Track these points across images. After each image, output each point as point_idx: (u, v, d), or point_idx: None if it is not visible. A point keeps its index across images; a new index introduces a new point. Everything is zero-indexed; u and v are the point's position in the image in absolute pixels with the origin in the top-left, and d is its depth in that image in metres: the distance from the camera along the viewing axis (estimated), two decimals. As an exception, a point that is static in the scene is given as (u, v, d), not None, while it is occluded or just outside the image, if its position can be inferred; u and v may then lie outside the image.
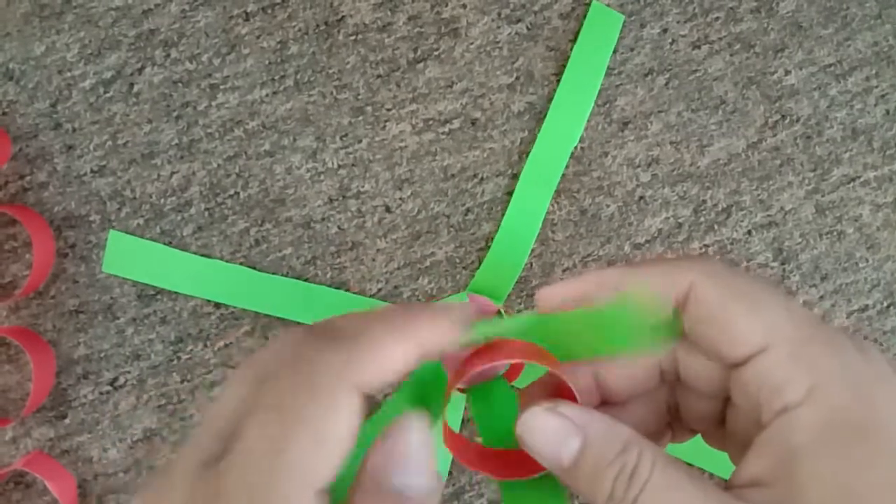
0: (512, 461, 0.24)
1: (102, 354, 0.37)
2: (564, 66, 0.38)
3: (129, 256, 0.37)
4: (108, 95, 0.38)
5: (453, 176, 0.38)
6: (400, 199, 0.38)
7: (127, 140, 0.38)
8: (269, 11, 0.38)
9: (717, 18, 0.39)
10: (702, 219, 0.39)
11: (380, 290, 0.38)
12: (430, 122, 0.38)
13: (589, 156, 0.38)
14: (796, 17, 0.39)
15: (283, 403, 0.17)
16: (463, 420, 0.38)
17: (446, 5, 0.38)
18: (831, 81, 0.39)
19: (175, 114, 0.38)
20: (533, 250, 0.38)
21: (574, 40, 0.38)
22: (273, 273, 0.38)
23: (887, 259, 0.39)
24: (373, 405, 0.19)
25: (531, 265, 0.38)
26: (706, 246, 0.38)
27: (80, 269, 0.37)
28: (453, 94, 0.38)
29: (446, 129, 0.38)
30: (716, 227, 0.39)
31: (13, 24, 0.38)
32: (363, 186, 0.38)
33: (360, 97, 0.38)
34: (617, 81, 0.39)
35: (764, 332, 0.19)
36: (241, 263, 0.38)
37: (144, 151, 0.38)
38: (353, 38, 0.38)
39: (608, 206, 0.38)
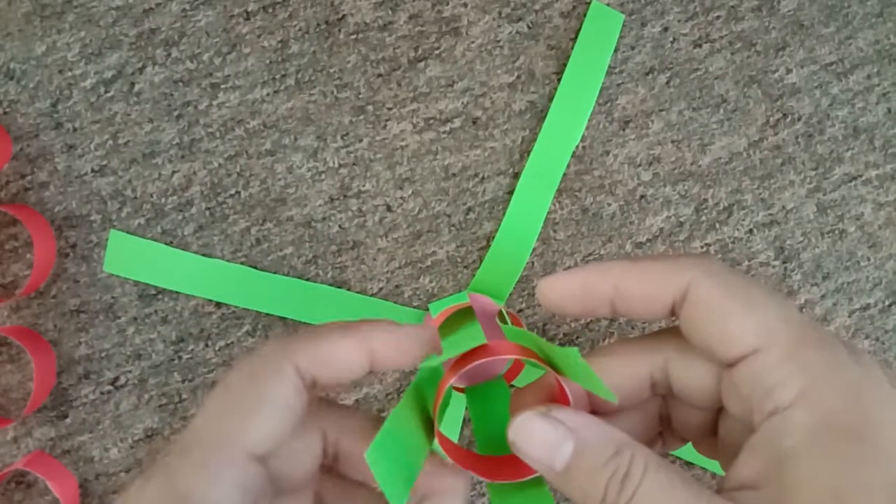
0: (503, 463, 0.24)
1: (103, 354, 0.37)
2: (565, 65, 0.38)
3: (129, 256, 0.37)
4: (108, 95, 0.38)
5: (454, 175, 0.38)
6: (401, 198, 0.38)
7: (128, 139, 0.38)
8: (270, 10, 0.38)
9: (719, 17, 0.39)
10: (703, 218, 0.38)
11: (381, 289, 0.38)
12: (431, 121, 0.38)
13: (590, 155, 0.38)
14: (798, 16, 0.39)
15: (229, 382, 0.20)
16: (464, 420, 0.38)
17: (447, 4, 0.38)
18: (833, 80, 0.39)
19: (176, 113, 0.38)
20: (534, 249, 0.38)
21: (575, 39, 0.38)
22: (274, 272, 0.38)
23: (889, 258, 0.39)
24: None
25: (532, 264, 0.38)
26: (707, 245, 0.38)
27: (81, 269, 0.37)
28: (454, 93, 0.38)
29: (447, 128, 0.38)
30: (717, 225, 0.38)
31: (14, 24, 0.38)
32: (364, 185, 0.38)
33: (360, 96, 0.38)
34: (618, 80, 0.38)
35: (758, 332, 0.19)
36: (242, 263, 0.38)
37: (145, 151, 0.38)
38: (353, 37, 0.38)
39: (609, 204, 0.38)
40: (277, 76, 0.38)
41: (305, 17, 0.38)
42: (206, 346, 0.38)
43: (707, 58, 0.39)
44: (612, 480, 0.18)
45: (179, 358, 0.38)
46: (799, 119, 0.39)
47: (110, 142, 0.38)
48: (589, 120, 0.38)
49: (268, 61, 0.38)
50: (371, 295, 0.38)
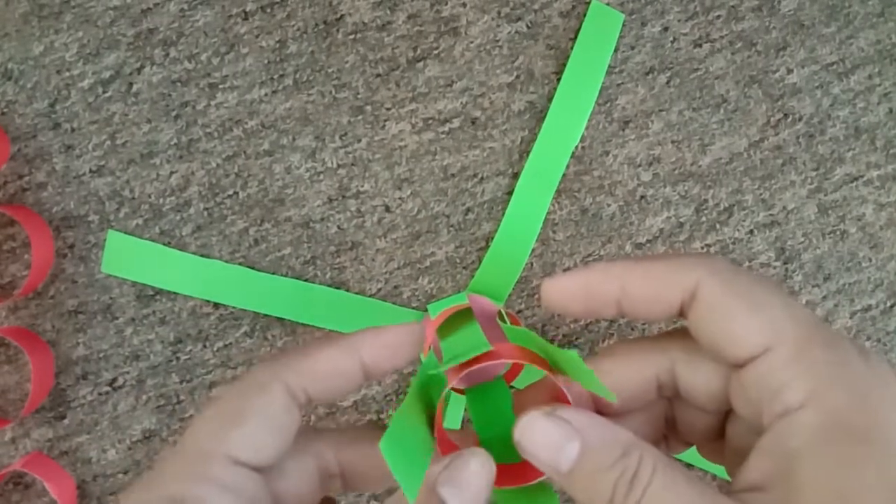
0: (508, 467, 0.24)
1: (101, 355, 0.37)
2: (565, 65, 0.38)
3: (127, 257, 0.37)
4: (106, 95, 0.38)
5: (453, 175, 0.38)
6: (399, 198, 0.38)
7: (126, 140, 0.38)
8: (268, 10, 0.38)
9: (719, 17, 0.39)
10: (703, 218, 0.38)
11: (379, 289, 0.38)
12: (430, 122, 0.38)
13: (590, 155, 0.38)
14: (798, 16, 0.39)
15: (217, 399, 0.20)
16: (463, 421, 0.38)
17: (446, 4, 0.38)
18: (834, 80, 0.39)
19: (174, 113, 0.38)
20: (534, 250, 0.38)
21: (574, 39, 0.38)
22: (272, 273, 0.37)
23: (890, 258, 0.39)
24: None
25: (532, 265, 0.38)
26: (708, 246, 0.38)
27: (78, 270, 0.37)
28: (453, 93, 0.38)
29: (446, 129, 0.38)
30: (717, 226, 0.38)
31: (12, 24, 0.38)
32: (363, 186, 0.38)
33: (359, 96, 0.38)
34: (618, 80, 0.38)
35: (766, 333, 0.19)
36: (240, 263, 0.37)
37: (143, 151, 0.38)
38: (352, 37, 0.38)
39: (609, 205, 0.38)
40: (276, 76, 0.38)
41: (304, 17, 0.38)
42: (205, 347, 0.37)
43: (707, 58, 0.39)
44: (621, 481, 0.18)
45: (177, 359, 0.37)
46: (800, 119, 0.39)
47: (108, 142, 0.38)
48: (588, 120, 0.38)
49: (266, 61, 0.38)
50: (370, 296, 0.38)
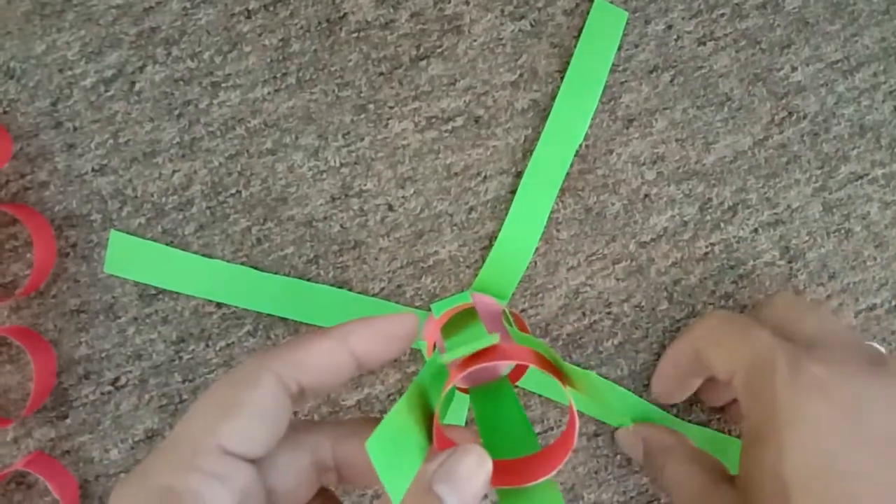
0: (512, 466, 0.23)
1: (104, 354, 0.37)
2: (568, 63, 0.38)
3: (130, 257, 0.37)
4: (109, 94, 0.38)
5: (456, 174, 0.38)
6: (402, 197, 0.38)
7: (128, 139, 0.38)
8: (271, 9, 0.38)
9: (723, 15, 0.39)
10: (707, 217, 0.38)
11: (382, 289, 0.38)
12: (433, 120, 0.38)
13: (593, 153, 0.38)
14: (803, 13, 0.39)
15: (209, 391, 0.21)
16: (466, 422, 0.37)
17: (449, 2, 0.38)
18: (838, 78, 0.39)
19: (176, 112, 0.38)
20: (537, 249, 0.37)
21: (578, 37, 0.38)
22: (275, 272, 0.37)
23: (895, 258, 0.38)
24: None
25: (535, 263, 0.38)
26: (712, 244, 0.38)
27: (81, 269, 0.37)
28: (456, 91, 0.38)
29: (449, 127, 0.38)
30: (722, 225, 0.38)
31: (14, 23, 0.37)
32: (365, 185, 0.38)
33: (362, 95, 0.38)
34: (621, 78, 0.38)
35: (727, 367, 0.29)
36: (242, 262, 0.37)
37: (146, 150, 0.38)
38: (355, 35, 0.38)
39: (613, 204, 0.38)
40: (278, 75, 0.38)
41: (307, 15, 0.38)
42: (207, 346, 0.37)
43: (711, 56, 0.38)
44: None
45: (180, 358, 0.37)
46: (804, 117, 0.38)
47: (111, 141, 0.38)
48: (592, 118, 0.38)
49: (269, 60, 0.38)
50: (373, 295, 0.37)
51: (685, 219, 0.38)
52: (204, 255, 0.37)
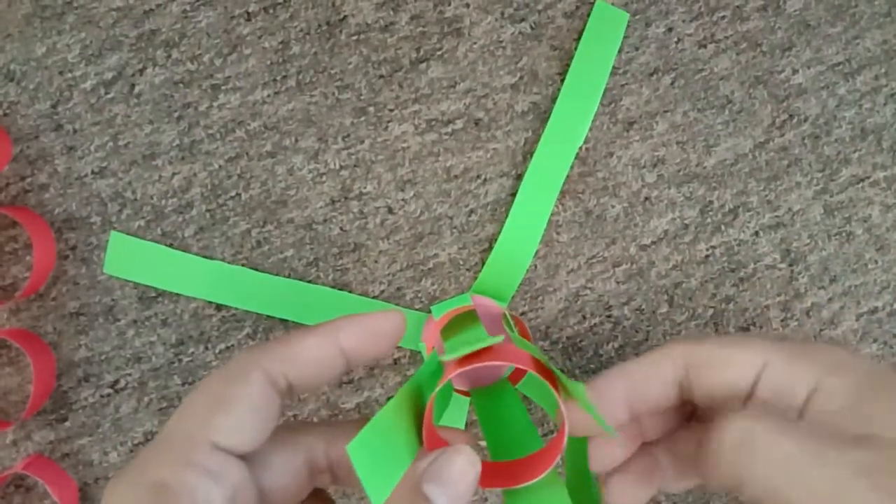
0: (514, 466, 0.23)
1: (103, 357, 0.37)
2: (569, 66, 0.38)
3: (130, 258, 0.37)
4: (109, 96, 0.38)
5: (456, 177, 0.38)
6: (402, 200, 0.38)
7: (128, 141, 0.38)
8: (271, 11, 0.38)
9: (724, 17, 0.38)
10: (708, 220, 0.38)
11: (382, 291, 0.37)
12: (433, 123, 0.38)
13: (594, 156, 0.38)
14: (804, 16, 0.39)
15: (199, 387, 0.21)
16: (466, 425, 0.37)
17: (449, 4, 0.38)
18: (840, 80, 0.38)
19: (176, 115, 0.38)
20: (537, 251, 0.37)
21: (578, 39, 0.38)
22: (275, 275, 0.37)
23: (897, 260, 0.38)
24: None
25: (535, 266, 0.38)
26: (713, 247, 0.38)
27: (80, 271, 0.37)
28: (456, 94, 0.38)
29: (449, 130, 0.38)
30: (723, 228, 0.38)
31: (14, 26, 0.37)
32: (365, 187, 0.38)
33: (362, 97, 0.38)
34: (622, 81, 0.38)
35: (758, 355, 0.22)
36: (242, 265, 0.37)
37: (145, 152, 0.38)
38: (355, 37, 0.38)
39: (613, 206, 0.38)
40: (278, 77, 0.38)
41: (306, 17, 0.38)
42: (206, 348, 0.37)
43: (712, 58, 0.38)
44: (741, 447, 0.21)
45: (179, 361, 0.37)
46: (805, 120, 0.38)
47: (110, 143, 0.38)
48: (592, 121, 0.38)
49: (269, 62, 0.38)
50: (372, 298, 0.37)
51: (686, 222, 0.38)
52: (204, 258, 0.37)
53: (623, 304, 0.38)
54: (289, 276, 0.37)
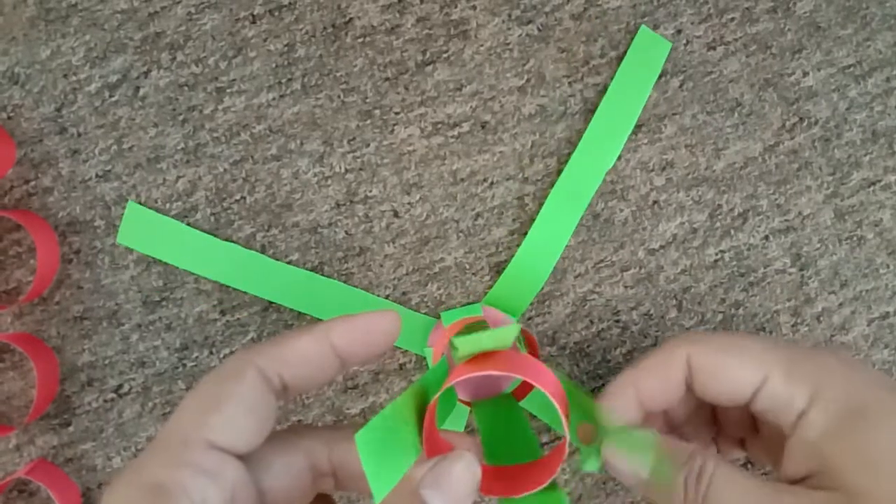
0: (513, 474, 0.23)
1: (107, 361, 0.37)
2: (576, 69, 0.38)
3: (144, 230, 0.36)
4: (113, 99, 0.37)
5: (462, 180, 0.37)
6: (408, 203, 0.37)
7: (132, 144, 0.37)
8: (276, 14, 0.38)
9: (733, 19, 0.38)
10: (717, 224, 0.38)
11: (388, 296, 0.37)
12: (439, 126, 0.38)
13: (601, 159, 0.38)
14: (814, 18, 0.38)
15: (195, 388, 0.21)
16: (465, 430, 0.37)
17: (455, 7, 0.38)
18: (850, 83, 0.38)
19: (181, 118, 0.37)
20: (544, 256, 0.37)
21: (586, 42, 0.38)
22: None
23: (909, 265, 0.38)
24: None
25: (542, 271, 0.37)
26: (722, 252, 0.38)
27: (84, 275, 0.37)
28: (463, 96, 0.38)
29: (455, 133, 0.38)
30: (732, 232, 0.38)
31: (19, 28, 0.37)
32: (371, 191, 0.37)
33: (367, 100, 0.37)
34: (630, 83, 0.38)
35: (758, 369, 0.24)
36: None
37: (150, 156, 0.37)
38: (360, 40, 0.38)
39: (621, 210, 0.38)
40: (283, 80, 0.37)
41: (312, 20, 0.38)
42: (211, 353, 0.37)
43: (721, 60, 0.38)
44: (689, 477, 0.22)
45: (183, 366, 0.37)
46: (816, 123, 0.38)
47: (115, 146, 0.37)
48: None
49: (274, 65, 0.37)
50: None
51: (695, 226, 0.38)
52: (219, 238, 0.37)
53: (631, 308, 0.37)
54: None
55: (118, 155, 0.37)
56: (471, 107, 0.38)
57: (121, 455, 0.37)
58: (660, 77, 0.38)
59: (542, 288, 0.37)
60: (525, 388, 0.33)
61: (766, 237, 0.38)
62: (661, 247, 0.38)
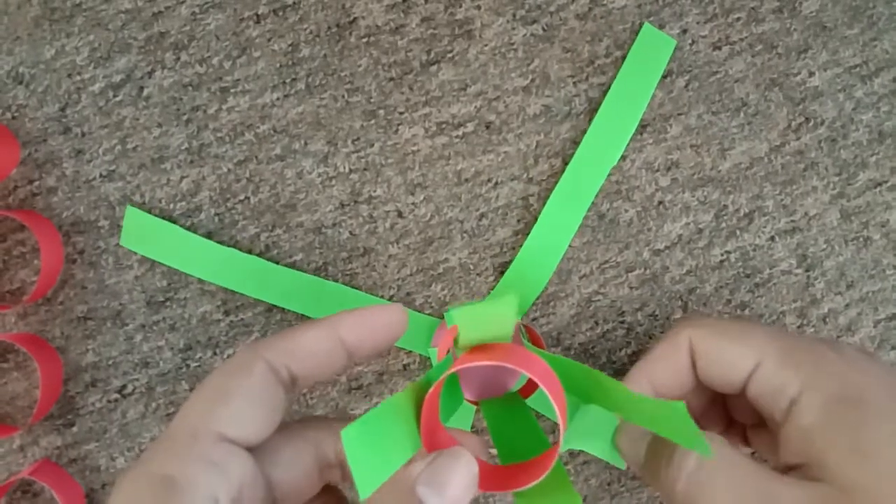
0: (520, 470, 0.23)
1: (111, 362, 0.37)
2: (581, 69, 0.37)
3: (144, 234, 0.36)
4: (117, 99, 0.37)
5: (467, 180, 0.37)
6: (412, 203, 0.37)
7: (136, 144, 0.37)
8: (281, 14, 0.37)
9: (739, 19, 0.38)
10: (723, 224, 0.37)
11: (392, 296, 0.37)
12: (444, 126, 0.37)
13: (606, 160, 0.37)
14: (820, 17, 0.38)
15: (203, 382, 0.21)
16: (471, 430, 0.37)
17: (460, 6, 0.38)
18: (857, 83, 0.38)
19: (185, 118, 0.37)
20: (549, 256, 0.37)
21: (591, 42, 0.37)
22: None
23: (916, 266, 0.38)
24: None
25: (547, 272, 0.37)
26: (727, 252, 0.37)
27: (88, 275, 0.37)
28: (467, 96, 0.37)
29: (460, 133, 0.37)
30: (738, 232, 0.37)
31: (23, 28, 0.37)
32: (375, 191, 0.37)
33: (372, 100, 0.37)
34: (635, 83, 0.38)
35: (753, 353, 0.24)
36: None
37: (154, 156, 0.37)
38: (365, 40, 0.38)
39: (626, 210, 0.37)
40: (288, 80, 0.37)
41: (316, 20, 0.38)
42: (215, 354, 0.37)
43: (727, 60, 0.38)
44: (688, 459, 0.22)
45: (187, 366, 0.37)
46: (822, 123, 0.38)
47: (119, 147, 0.37)
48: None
49: (278, 65, 0.37)
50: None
51: (700, 226, 0.37)
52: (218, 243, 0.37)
53: (636, 309, 0.37)
54: (298, 281, 0.37)
55: (122, 155, 0.37)
56: (475, 107, 0.37)
57: (124, 455, 0.37)
58: (665, 77, 0.38)
59: (547, 288, 0.37)
60: (531, 387, 0.33)
61: (772, 238, 0.37)
62: (667, 247, 0.37)
